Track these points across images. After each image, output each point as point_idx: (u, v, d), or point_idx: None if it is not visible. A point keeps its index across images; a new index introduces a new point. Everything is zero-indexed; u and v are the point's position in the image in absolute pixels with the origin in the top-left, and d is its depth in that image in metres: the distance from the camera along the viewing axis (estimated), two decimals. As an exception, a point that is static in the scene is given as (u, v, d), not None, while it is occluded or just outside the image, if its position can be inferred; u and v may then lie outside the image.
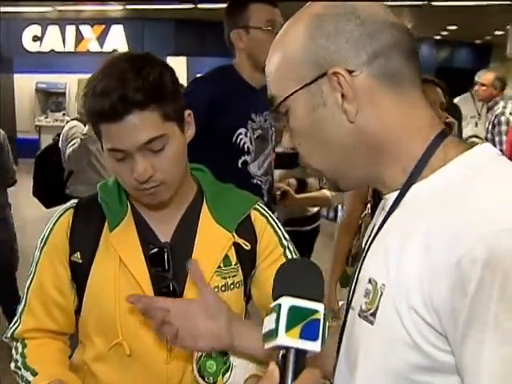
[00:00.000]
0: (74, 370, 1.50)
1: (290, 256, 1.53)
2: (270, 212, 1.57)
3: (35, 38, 13.69)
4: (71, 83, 12.64)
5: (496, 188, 0.83)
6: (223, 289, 1.46)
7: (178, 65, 12.67)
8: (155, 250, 1.43)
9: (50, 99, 14.15)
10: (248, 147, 2.64)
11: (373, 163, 0.95)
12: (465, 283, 0.77)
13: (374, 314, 0.89)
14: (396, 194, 0.94)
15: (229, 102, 2.55)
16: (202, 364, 1.32)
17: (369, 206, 2.78)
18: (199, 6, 10.87)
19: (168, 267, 1.43)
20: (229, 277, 1.47)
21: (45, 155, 4.73)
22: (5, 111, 12.70)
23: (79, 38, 13.65)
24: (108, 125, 1.30)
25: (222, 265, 1.46)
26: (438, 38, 16.89)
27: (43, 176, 4.65)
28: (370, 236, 1.01)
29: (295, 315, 0.81)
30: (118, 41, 13.31)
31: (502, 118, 5.50)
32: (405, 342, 0.84)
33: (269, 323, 0.85)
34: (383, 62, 0.91)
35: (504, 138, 5.07)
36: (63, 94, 13.99)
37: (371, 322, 0.90)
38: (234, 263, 1.48)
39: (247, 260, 1.50)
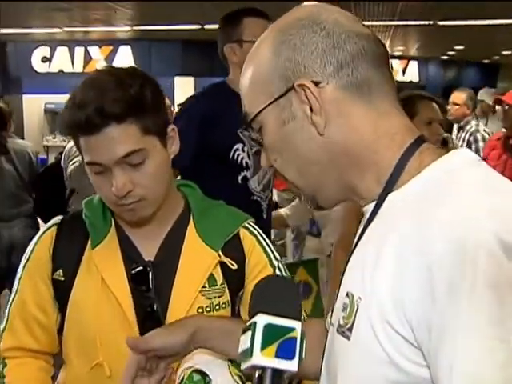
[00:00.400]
0: None
1: None
2: (259, 230, 1.53)
3: (44, 59, 13.81)
4: (79, 104, 12.69)
5: (473, 193, 0.80)
6: (208, 309, 1.41)
7: (186, 85, 12.76)
8: (138, 268, 1.39)
9: (58, 119, 14.21)
10: (246, 162, 2.62)
11: (347, 175, 0.93)
12: (434, 289, 0.74)
13: (350, 329, 0.86)
14: (373, 205, 0.91)
15: (223, 118, 2.53)
16: None
17: None
18: (206, 26, 10.93)
19: (151, 287, 1.38)
20: (214, 297, 1.43)
21: (47, 173, 4.74)
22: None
23: (87, 58, 13.76)
24: (86, 137, 1.28)
25: (206, 285, 1.42)
26: (445, 58, 16.91)
27: (45, 194, 4.65)
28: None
29: (271, 333, 0.79)
30: (125, 61, 13.39)
31: (478, 135, 5.49)
32: (381, 358, 0.81)
33: (244, 342, 0.82)
34: (349, 72, 0.90)
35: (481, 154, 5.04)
36: (71, 115, 14.02)
37: (347, 337, 0.87)
38: (219, 283, 1.43)
39: (235, 280, 1.46)
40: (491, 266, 0.72)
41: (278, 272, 1.49)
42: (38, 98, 13.75)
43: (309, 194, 0.98)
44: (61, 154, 4.60)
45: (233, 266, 1.43)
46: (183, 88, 12.64)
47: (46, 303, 1.43)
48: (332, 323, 0.95)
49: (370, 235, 0.90)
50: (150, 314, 1.37)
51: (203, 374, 1.25)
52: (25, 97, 14.23)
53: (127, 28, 12.07)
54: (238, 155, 2.61)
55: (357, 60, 0.90)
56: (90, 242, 1.42)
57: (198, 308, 1.39)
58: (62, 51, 13.77)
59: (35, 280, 1.43)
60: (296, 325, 0.80)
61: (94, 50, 13.77)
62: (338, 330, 0.90)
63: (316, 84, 0.89)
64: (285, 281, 0.90)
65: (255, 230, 1.52)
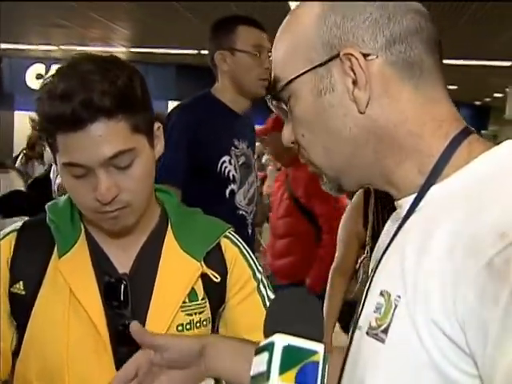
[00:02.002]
0: None
1: (263, 291, 1.36)
2: (241, 241, 1.40)
3: (38, 76, 13.77)
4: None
5: None
6: (188, 327, 1.28)
7: (179, 109, 12.74)
8: (111, 280, 1.24)
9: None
10: (233, 175, 2.52)
11: (383, 160, 0.85)
12: (497, 289, 0.66)
13: (385, 331, 0.78)
14: (411, 198, 0.84)
15: (209, 129, 2.45)
16: None
17: (368, 248, 2.66)
18: (202, 52, 10.97)
19: (126, 302, 1.23)
20: (195, 314, 1.29)
21: (35, 186, 4.68)
22: (3, 147, 12.70)
23: (82, 78, 13.77)
24: (67, 134, 1.11)
25: (187, 300, 1.28)
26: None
27: (33, 207, 4.57)
28: (380, 251, 0.90)
29: (290, 356, 0.70)
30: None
31: None
32: (421, 362, 0.73)
33: (259, 364, 0.73)
34: (403, 48, 0.82)
35: None
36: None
37: (382, 340, 0.78)
38: (200, 298, 1.29)
39: (216, 294, 1.32)
40: None
41: (261, 286, 1.37)
42: (30, 114, 13.70)
43: (332, 175, 0.90)
44: (50, 165, 4.55)
45: (216, 278, 1.30)
46: (176, 112, 12.60)
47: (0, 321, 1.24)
48: (359, 326, 0.86)
49: (411, 231, 0.82)
50: (123, 333, 1.18)
51: None
52: (16, 113, 14.18)
53: (123, 49, 12.09)
54: (226, 168, 2.50)
55: (411, 37, 0.83)
56: (56, 250, 1.25)
57: (178, 325, 1.26)
58: (56, 69, 13.79)
59: None
60: (319, 347, 0.72)
61: (89, 70, 13.78)
62: (368, 333, 0.82)
63: (365, 56, 0.82)
64: (307, 295, 0.79)
65: (237, 240, 1.39)
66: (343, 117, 0.84)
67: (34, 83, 13.84)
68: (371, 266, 1.01)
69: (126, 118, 1.14)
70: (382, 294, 0.81)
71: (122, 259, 1.28)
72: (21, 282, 1.24)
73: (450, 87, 14.88)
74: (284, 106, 0.90)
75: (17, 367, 1.28)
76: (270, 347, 0.71)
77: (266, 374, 0.70)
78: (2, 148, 12.70)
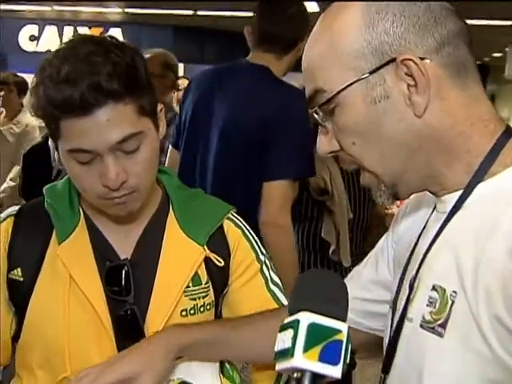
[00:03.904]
0: None
1: (266, 273, 1.35)
2: (244, 222, 1.38)
3: (32, 38, 13.61)
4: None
5: None
6: (192, 312, 1.26)
7: (175, 71, 12.63)
8: (113, 266, 1.22)
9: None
10: None
11: (435, 162, 0.86)
12: None
13: (443, 325, 0.81)
14: (457, 194, 0.86)
15: None
16: None
17: None
18: (199, 12, 10.82)
19: (128, 288, 1.22)
20: (198, 298, 1.27)
21: (33, 153, 4.63)
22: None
23: (76, 39, 13.60)
24: (72, 119, 1.08)
25: (190, 284, 1.26)
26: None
27: (31, 174, 4.54)
28: (416, 242, 0.94)
29: (315, 334, 0.71)
30: (115, 44, 13.25)
31: None
32: (483, 356, 0.76)
33: (283, 341, 0.74)
34: (451, 50, 0.84)
35: None
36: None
37: (440, 334, 0.82)
38: (204, 282, 1.28)
39: (219, 278, 1.31)
40: None
41: (264, 268, 1.35)
42: (25, 77, 13.55)
43: (389, 181, 0.90)
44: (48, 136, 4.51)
45: (219, 262, 1.28)
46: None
47: None
48: (410, 318, 0.89)
49: (460, 226, 0.84)
50: (126, 318, 1.20)
51: None
52: (10, 75, 14.05)
53: (118, 10, 11.91)
54: None
55: (456, 38, 0.84)
56: (54, 236, 1.24)
57: (182, 311, 1.25)
58: (50, 30, 13.55)
59: None
60: (343, 327, 0.72)
61: (83, 31, 13.50)
62: (422, 326, 0.85)
63: (421, 60, 0.82)
64: (333, 276, 0.81)
65: (239, 221, 1.37)
66: (398, 122, 0.84)
67: (27, 45, 13.68)
68: (394, 247, 1.05)
69: (133, 101, 1.12)
70: (434, 288, 0.84)
71: (123, 244, 1.27)
72: (19, 269, 1.23)
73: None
74: (324, 117, 0.89)
75: (17, 352, 1.29)
76: (295, 324, 0.72)
77: (291, 351, 0.71)
78: (-4, 110, 12.63)
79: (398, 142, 0.86)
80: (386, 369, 0.94)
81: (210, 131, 2.23)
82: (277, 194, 2.12)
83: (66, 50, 1.12)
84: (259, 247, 1.37)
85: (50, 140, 4.35)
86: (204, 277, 1.29)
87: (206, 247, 1.28)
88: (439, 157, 0.86)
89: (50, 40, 13.60)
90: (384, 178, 0.90)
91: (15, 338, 1.27)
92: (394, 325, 0.94)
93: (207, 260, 1.28)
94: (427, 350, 0.84)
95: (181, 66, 13.56)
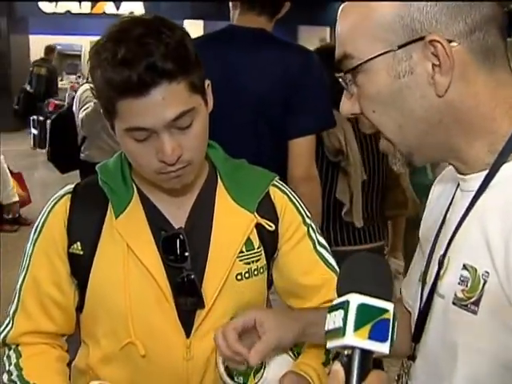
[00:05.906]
0: (77, 376, 1.37)
1: (313, 236, 1.41)
2: (289, 188, 1.44)
3: (51, -1, 13.58)
4: (87, 46, 12.55)
5: None
6: (247, 275, 1.33)
7: (195, 29, 12.52)
8: (168, 235, 1.29)
9: (65, 61, 14.05)
10: None
11: (455, 139, 0.89)
12: None
13: (476, 303, 0.84)
14: (481, 174, 0.88)
15: None
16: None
17: None
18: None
19: (184, 256, 1.28)
20: (252, 262, 1.33)
21: (59, 120, 4.70)
22: (20, 71, 12.67)
23: (95, -1, 13.52)
24: (130, 100, 1.13)
25: (244, 249, 1.32)
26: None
27: (58, 141, 4.63)
28: (443, 219, 0.97)
29: (364, 314, 0.75)
30: (134, 3, 13.13)
31: None
32: None
33: (334, 321, 0.78)
34: (481, 35, 0.85)
35: None
36: (78, 57, 13.89)
37: (473, 312, 0.85)
38: (256, 247, 1.34)
39: (270, 242, 1.37)
40: None
41: (311, 231, 1.40)
42: (45, 38, 13.56)
43: (405, 151, 0.93)
44: (73, 99, 4.55)
45: (270, 227, 1.34)
46: (192, 32, 12.34)
47: (62, 281, 1.31)
48: (442, 295, 0.92)
49: (488, 206, 0.87)
50: (184, 284, 1.27)
51: None
52: (31, 37, 14.05)
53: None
54: None
55: (489, 24, 0.85)
56: (109, 210, 1.30)
57: (237, 275, 1.31)
58: (68, -9, 13.51)
59: (49, 256, 1.31)
60: (389, 306, 0.76)
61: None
62: (455, 304, 0.88)
63: (449, 42, 0.83)
64: (377, 259, 0.84)
65: (284, 187, 1.42)
66: (419, 98, 0.86)
67: (46, 6, 13.65)
68: (422, 226, 1.08)
69: (185, 79, 1.16)
70: (465, 267, 0.86)
71: (177, 215, 1.33)
72: (78, 243, 1.30)
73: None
74: (350, 80, 0.91)
75: (82, 323, 1.37)
76: (345, 305, 0.76)
77: (342, 330, 0.75)
78: (19, 72, 12.68)
79: (417, 117, 0.88)
80: (417, 339, 0.99)
81: (229, 102, 2.24)
82: (305, 149, 2.20)
83: (118, 32, 1.16)
84: (304, 211, 1.42)
85: (74, 106, 4.42)
86: (256, 241, 1.35)
87: (256, 214, 1.34)
88: (459, 135, 0.88)
89: (69, 1, 13.57)
90: (400, 147, 0.93)
91: (79, 308, 1.35)
92: (424, 298, 0.98)
93: (258, 226, 1.34)
94: (462, 326, 0.87)
95: (200, 24, 13.52)
